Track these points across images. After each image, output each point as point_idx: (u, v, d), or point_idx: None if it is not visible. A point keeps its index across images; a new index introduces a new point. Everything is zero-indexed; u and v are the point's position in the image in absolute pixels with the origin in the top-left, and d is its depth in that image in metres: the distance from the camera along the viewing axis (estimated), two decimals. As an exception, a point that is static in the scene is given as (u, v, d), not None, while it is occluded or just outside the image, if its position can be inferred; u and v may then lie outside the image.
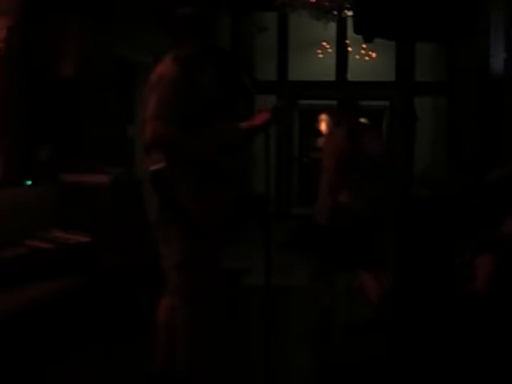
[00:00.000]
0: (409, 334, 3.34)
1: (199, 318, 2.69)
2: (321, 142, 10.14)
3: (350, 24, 6.92)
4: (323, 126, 11.80)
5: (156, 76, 2.63)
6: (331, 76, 8.64)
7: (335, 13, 6.23)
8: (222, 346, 3.42)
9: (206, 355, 2.78)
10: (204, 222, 2.64)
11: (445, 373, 3.00)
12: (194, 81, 2.68)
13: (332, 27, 7.72)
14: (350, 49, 8.66)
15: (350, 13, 6.05)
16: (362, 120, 4.00)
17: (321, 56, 9.49)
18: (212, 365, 2.91)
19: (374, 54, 9.37)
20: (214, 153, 2.67)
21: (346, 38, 8.46)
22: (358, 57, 9.16)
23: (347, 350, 3.48)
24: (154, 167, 2.61)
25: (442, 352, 3.12)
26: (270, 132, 2.78)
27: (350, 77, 8.61)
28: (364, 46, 8.58)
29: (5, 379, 2.87)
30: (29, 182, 3.99)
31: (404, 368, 3.10)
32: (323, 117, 11.95)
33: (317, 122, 11.78)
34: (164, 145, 2.59)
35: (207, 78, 2.79)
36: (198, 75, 2.73)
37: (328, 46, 9.26)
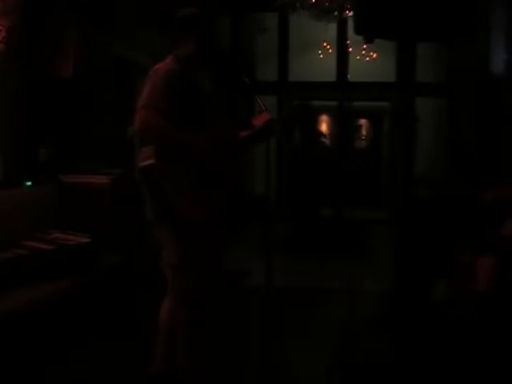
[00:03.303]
0: (410, 334, 3.33)
1: (196, 318, 2.68)
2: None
3: (350, 24, 6.90)
4: (324, 127, 11.80)
5: (153, 70, 2.65)
6: (332, 77, 8.63)
7: (336, 13, 6.23)
8: (221, 347, 3.41)
9: (205, 356, 2.77)
10: (194, 221, 2.59)
11: (446, 374, 3.00)
12: (193, 80, 2.68)
13: (332, 28, 7.72)
14: (350, 49, 8.64)
15: (350, 13, 6.05)
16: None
17: (321, 57, 9.47)
18: (211, 366, 2.90)
19: (374, 55, 9.35)
20: (207, 151, 2.64)
21: (346, 39, 8.45)
22: (358, 57, 9.15)
23: (348, 350, 3.47)
24: (143, 163, 2.60)
25: (442, 353, 3.12)
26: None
27: (351, 77, 8.61)
28: (364, 46, 8.56)
29: (5, 379, 2.87)
30: (28, 183, 3.98)
31: (405, 368, 3.09)
32: (324, 117, 11.94)
33: (317, 122, 11.76)
34: (153, 133, 2.56)
35: (207, 78, 2.79)
36: (198, 75, 2.73)
37: (328, 47, 9.23)
